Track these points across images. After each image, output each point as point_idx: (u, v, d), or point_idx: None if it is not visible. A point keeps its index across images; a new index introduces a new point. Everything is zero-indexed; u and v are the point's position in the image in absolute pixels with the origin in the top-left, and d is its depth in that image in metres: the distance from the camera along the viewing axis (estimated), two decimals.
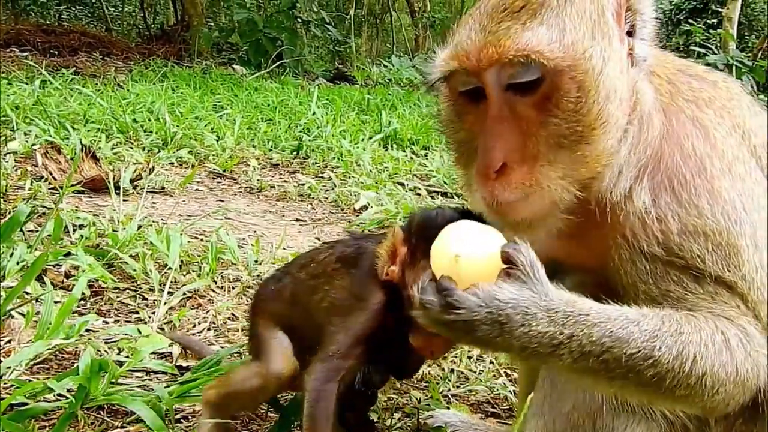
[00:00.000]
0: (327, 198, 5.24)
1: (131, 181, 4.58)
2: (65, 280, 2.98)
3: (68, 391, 2.04)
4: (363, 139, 7.20)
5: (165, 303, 2.83)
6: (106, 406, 2.10)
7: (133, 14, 20.07)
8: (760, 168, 1.56)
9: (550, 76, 1.39)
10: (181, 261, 3.26)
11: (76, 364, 2.13)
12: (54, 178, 4.52)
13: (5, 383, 2.05)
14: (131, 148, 5.77)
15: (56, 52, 12.31)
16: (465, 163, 1.57)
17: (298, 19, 14.90)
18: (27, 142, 5.28)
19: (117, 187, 4.16)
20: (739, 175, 1.49)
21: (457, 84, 1.52)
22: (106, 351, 2.38)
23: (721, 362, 1.40)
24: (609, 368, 1.36)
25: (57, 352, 2.35)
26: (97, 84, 8.54)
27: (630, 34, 1.49)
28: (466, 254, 1.36)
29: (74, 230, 3.51)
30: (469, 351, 2.85)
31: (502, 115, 1.41)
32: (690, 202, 1.45)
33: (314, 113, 7.86)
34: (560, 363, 1.35)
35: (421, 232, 1.77)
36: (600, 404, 1.55)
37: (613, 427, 1.55)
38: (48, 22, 16.80)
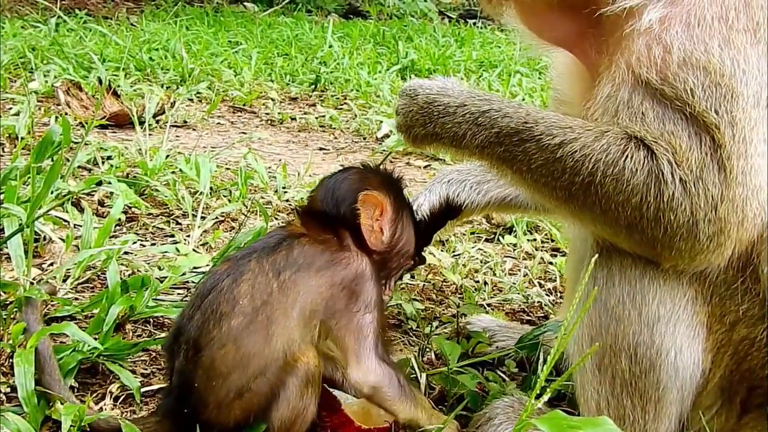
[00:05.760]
0: (348, 128, 5.21)
1: (154, 115, 4.57)
2: (99, 207, 3.01)
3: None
4: (381, 71, 7.10)
5: (199, 226, 2.85)
6: (152, 319, 2.16)
7: None
8: None
9: None
10: (211, 187, 3.28)
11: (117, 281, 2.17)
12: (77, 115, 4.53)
13: (54, 300, 2.10)
14: (150, 84, 5.74)
15: None
16: None
17: None
18: (47, 81, 5.27)
19: (141, 122, 4.16)
20: (763, 42, 1.43)
21: None
22: (146, 269, 2.42)
23: (658, 190, 1.42)
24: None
25: (99, 273, 2.39)
26: (110, 25, 8.43)
27: None
28: None
29: (103, 162, 3.54)
30: (502, 263, 2.87)
31: None
32: (700, 39, 1.41)
33: (331, 46, 7.74)
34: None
35: (389, 185, 1.80)
36: (645, 294, 1.56)
37: (659, 315, 1.56)
38: None
